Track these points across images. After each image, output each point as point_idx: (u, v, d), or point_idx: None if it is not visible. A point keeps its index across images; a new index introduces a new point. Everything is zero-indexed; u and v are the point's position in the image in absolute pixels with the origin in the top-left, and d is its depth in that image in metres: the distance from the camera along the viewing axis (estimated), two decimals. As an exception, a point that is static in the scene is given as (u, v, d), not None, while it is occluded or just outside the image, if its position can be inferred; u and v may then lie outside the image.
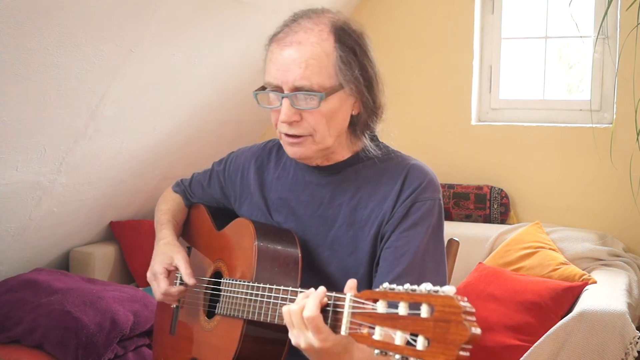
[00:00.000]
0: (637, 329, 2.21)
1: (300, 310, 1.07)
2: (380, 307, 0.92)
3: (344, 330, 0.99)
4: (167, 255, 1.52)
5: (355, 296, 0.99)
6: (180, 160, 3.20)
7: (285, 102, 1.28)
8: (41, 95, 2.20)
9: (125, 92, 2.50)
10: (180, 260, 1.49)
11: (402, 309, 0.88)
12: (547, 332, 2.30)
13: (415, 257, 1.28)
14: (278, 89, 1.30)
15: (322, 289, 1.08)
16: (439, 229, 1.35)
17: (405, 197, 1.33)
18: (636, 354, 2.18)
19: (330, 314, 1.05)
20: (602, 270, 2.75)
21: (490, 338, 2.53)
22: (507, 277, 2.71)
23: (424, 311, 0.85)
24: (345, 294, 1.02)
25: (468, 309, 0.82)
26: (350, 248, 1.36)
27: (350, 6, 3.44)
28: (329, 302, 1.06)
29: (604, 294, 2.41)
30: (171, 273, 1.51)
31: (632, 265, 2.82)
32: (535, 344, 2.31)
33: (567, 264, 2.73)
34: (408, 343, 0.86)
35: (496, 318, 2.56)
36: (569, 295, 2.55)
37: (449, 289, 0.84)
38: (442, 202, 1.37)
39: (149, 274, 1.53)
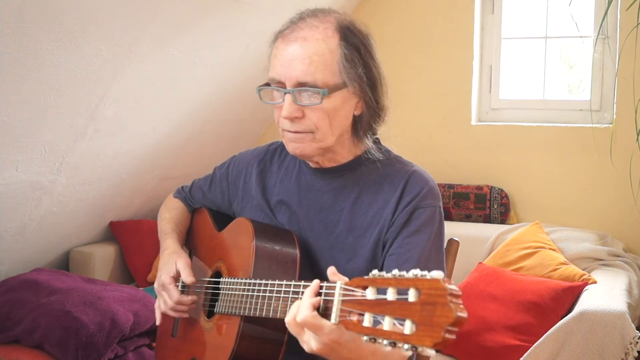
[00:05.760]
0: (637, 329, 2.21)
1: (294, 317, 1.07)
2: (370, 293, 0.92)
3: (333, 318, 0.99)
4: (172, 263, 1.51)
5: (345, 284, 0.99)
6: (180, 160, 3.20)
7: (288, 97, 1.27)
8: (41, 95, 2.20)
9: (125, 92, 2.50)
10: (181, 264, 1.48)
11: (391, 295, 0.88)
12: (547, 332, 2.30)
13: (419, 264, 1.28)
14: (281, 85, 1.29)
15: (312, 289, 1.07)
16: (440, 236, 1.35)
17: (406, 203, 1.33)
18: (636, 354, 2.18)
19: (321, 303, 1.05)
20: (602, 270, 2.75)
21: (490, 338, 2.53)
22: (507, 277, 2.71)
23: (412, 295, 0.84)
24: (335, 283, 1.01)
25: (454, 292, 0.81)
26: (349, 254, 1.36)
27: (350, 6, 3.44)
28: (321, 290, 1.06)
29: (604, 294, 2.41)
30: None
31: (632, 265, 2.82)
32: (535, 344, 2.31)
33: (567, 264, 2.73)
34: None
35: (496, 318, 2.56)
36: (569, 295, 2.55)
37: (436, 273, 0.84)
38: (442, 209, 1.36)
39: (156, 286, 1.52)
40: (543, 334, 2.31)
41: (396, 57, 3.39)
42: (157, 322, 1.54)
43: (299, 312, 1.06)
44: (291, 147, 1.34)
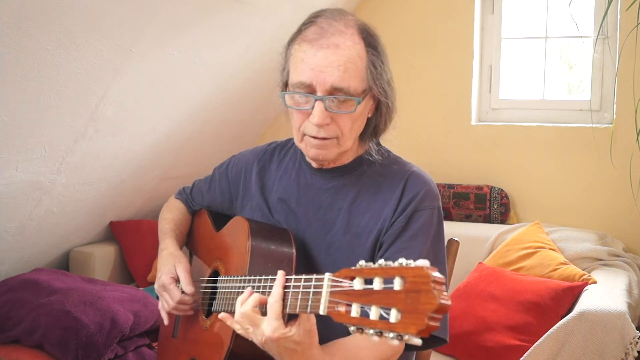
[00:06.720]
0: (637, 329, 2.21)
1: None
2: (357, 284, 0.93)
3: (322, 309, 1.00)
4: (171, 264, 1.51)
5: (333, 275, 1.00)
6: (180, 160, 3.20)
7: (320, 105, 1.26)
8: (41, 95, 2.20)
9: (125, 92, 2.50)
10: (180, 270, 1.48)
11: (377, 284, 0.88)
12: (547, 332, 2.30)
13: None
14: (310, 90, 1.27)
15: (278, 282, 1.12)
16: (440, 237, 1.35)
17: (405, 205, 1.33)
18: (636, 354, 2.18)
19: (310, 295, 1.05)
20: (602, 270, 2.75)
21: (490, 338, 2.53)
22: (507, 277, 2.71)
23: (397, 284, 0.85)
24: (324, 275, 1.02)
25: (437, 279, 0.81)
26: (346, 253, 1.36)
27: (350, 6, 3.44)
28: (309, 283, 1.06)
29: (604, 294, 2.41)
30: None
31: (632, 265, 2.82)
32: (535, 344, 2.31)
33: (567, 264, 2.73)
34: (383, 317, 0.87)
35: (496, 318, 2.56)
36: (569, 295, 2.55)
37: (421, 262, 0.84)
38: (441, 209, 1.37)
39: (157, 287, 1.52)
40: (543, 334, 2.31)
41: (396, 57, 3.34)
42: (165, 322, 1.53)
43: (242, 307, 1.13)
44: (313, 153, 1.33)
